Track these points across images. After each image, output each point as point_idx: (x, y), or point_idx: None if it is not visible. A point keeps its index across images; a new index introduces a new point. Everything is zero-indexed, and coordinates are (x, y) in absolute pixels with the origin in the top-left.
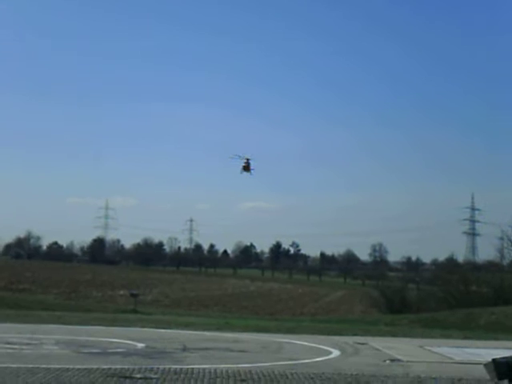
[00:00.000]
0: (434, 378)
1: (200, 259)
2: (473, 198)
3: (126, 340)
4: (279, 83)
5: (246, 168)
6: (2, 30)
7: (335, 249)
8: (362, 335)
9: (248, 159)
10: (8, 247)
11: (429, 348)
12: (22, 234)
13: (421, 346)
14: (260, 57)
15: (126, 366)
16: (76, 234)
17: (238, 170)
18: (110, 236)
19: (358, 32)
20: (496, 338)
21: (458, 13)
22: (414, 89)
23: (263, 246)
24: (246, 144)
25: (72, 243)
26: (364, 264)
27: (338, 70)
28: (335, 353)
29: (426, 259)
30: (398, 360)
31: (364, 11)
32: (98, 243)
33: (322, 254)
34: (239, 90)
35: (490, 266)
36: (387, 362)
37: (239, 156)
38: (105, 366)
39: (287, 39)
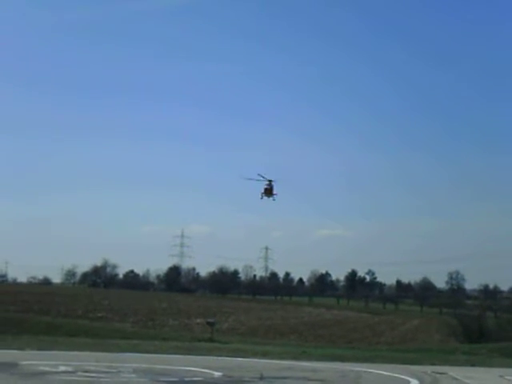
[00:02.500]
0: None
1: (276, 287)
2: None
3: (203, 369)
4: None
5: (268, 192)
6: None
7: (411, 276)
8: (440, 365)
9: (271, 181)
10: (85, 276)
11: (509, 378)
12: (99, 263)
13: (501, 376)
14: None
15: None
16: (152, 263)
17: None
18: (186, 264)
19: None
20: None
21: None
22: None
23: (338, 274)
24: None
25: (148, 271)
26: (440, 292)
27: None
28: (414, 382)
29: (504, 287)
30: None
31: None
32: (174, 271)
33: (398, 282)
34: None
35: None
36: None
37: (262, 177)
38: None
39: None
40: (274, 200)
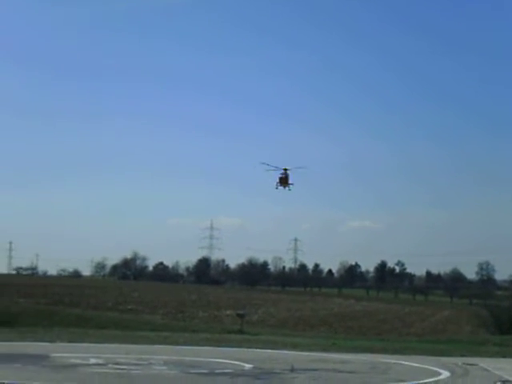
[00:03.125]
0: None
1: (305, 279)
2: None
3: (233, 361)
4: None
5: (283, 181)
6: None
7: (441, 267)
8: (470, 356)
9: (286, 170)
10: (115, 268)
11: None
12: (129, 255)
13: None
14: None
15: None
16: (181, 255)
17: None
18: (215, 256)
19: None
20: None
21: None
22: None
23: (368, 265)
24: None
25: (177, 263)
26: (470, 283)
27: None
28: (444, 374)
29: None
30: (510, 381)
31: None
32: (204, 263)
33: (428, 273)
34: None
35: None
36: (498, 383)
37: (275, 166)
38: None
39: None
40: (289, 190)
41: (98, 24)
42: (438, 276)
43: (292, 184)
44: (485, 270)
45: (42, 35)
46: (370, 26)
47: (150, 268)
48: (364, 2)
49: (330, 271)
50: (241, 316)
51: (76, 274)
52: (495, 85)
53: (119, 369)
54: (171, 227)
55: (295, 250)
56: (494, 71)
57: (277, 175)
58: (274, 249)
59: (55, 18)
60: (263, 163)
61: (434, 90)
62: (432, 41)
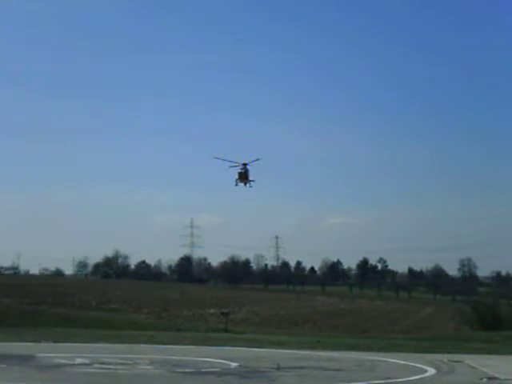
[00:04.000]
0: None
1: (288, 276)
2: None
3: (219, 359)
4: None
5: (243, 176)
6: None
7: (423, 264)
8: (456, 353)
9: (245, 165)
10: (97, 267)
11: None
12: (111, 254)
13: None
14: None
15: None
16: (163, 253)
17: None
18: (197, 254)
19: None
20: None
21: None
22: None
23: (350, 263)
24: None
25: (159, 262)
26: (453, 279)
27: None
28: (430, 371)
29: None
30: (496, 378)
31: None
32: (186, 261)
33: (410, 270)
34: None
35: None
36: (484, 380)
37: (230, 161)
38: None
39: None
40: (250, 187)
41: None
42: (421, 273)
43: (253, 181)
44: (466, 266)
45: None
46: (361, 30)
47: (132, 266)
48: (355, 7)
49: (312, 268)
50: (225, 314)
51: (58, 273)
52: (482, 92)
53: (105, 368)
54: (152, 225)
55: (277, 247)
56: (484, 78)
57: (236, 171)
58: (256, 246)
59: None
60: (216, 158)
61: (420, 90)
62: (422, 46)
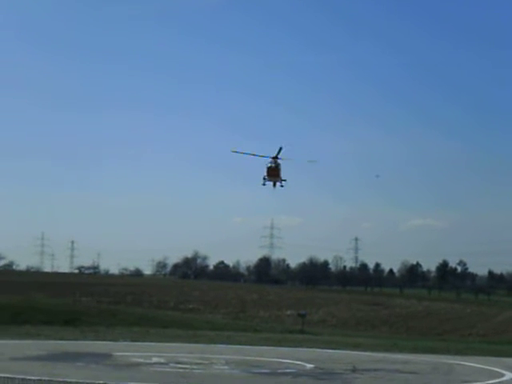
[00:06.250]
0: None
1: (366, 278)
2: None
3: (294, 360)
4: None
5: (272, 173)
6: None
7: (503, 267)
8: None
9: (275, 158)
10: (176, 267)
11: None
12: (190, 254)
13: None
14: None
15: None
16: (242, 254)
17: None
18: (276, 255)
19: None
20: None
21: None
22: None
23: (429, 265)
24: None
25: (238, 262)
26: None
27: None
28: (508, 375)
29: None
30: None
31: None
32: (264, 262)
33: (490, 273)
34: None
35: None
36: None
37: (255, 155)
38: None
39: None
40: (282, 186)
41: None
42: (501, 276)
43: (285, 180)
44: None
45: None
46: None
47: (211, 267)
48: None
49: (391, 271)
50: (302, 316)
51: (137, 273)
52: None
53: (181, 368)
54: (232, 226)
55: (356, 249)
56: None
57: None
58: (335, 248)
59: None
60: (234, 151)
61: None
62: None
